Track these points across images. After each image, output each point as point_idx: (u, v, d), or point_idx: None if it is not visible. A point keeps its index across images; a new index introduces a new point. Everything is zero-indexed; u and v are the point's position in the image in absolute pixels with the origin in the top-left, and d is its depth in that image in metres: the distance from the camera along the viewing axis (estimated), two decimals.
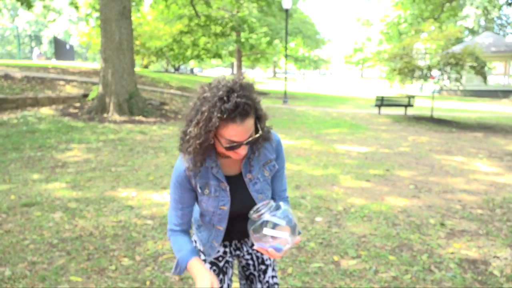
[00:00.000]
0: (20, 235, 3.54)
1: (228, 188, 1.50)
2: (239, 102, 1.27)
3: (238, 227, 1.59)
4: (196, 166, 1.42)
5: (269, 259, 1.73)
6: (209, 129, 1.29)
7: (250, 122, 1.32)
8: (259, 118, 1.41)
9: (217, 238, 1.60)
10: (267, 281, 1.73)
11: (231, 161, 1.51)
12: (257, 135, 1.39)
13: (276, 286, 1.74)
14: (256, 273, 1.74)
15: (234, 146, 1.33)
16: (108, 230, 3.70)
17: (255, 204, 1.52)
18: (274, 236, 1.34)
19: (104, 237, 3.55)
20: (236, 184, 1.52)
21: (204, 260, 1.69)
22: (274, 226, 1.34)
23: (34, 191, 4.76)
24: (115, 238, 3.55)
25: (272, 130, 1.53)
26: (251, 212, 1.37)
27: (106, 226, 3.79)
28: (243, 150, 1.36)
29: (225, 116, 1.26)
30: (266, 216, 1.35)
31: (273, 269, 1.75)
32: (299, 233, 1.60)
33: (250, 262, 1.74)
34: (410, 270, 3.11)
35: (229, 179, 1.51)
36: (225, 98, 1.27)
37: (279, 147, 1.57)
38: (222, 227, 1.55)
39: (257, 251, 1.71)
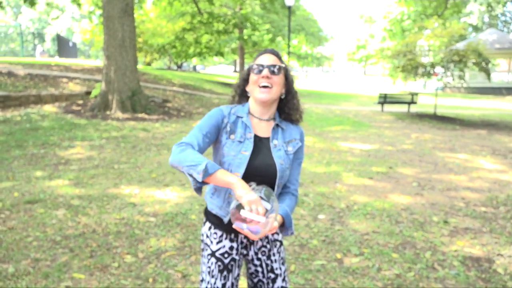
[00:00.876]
0: (24, 232, 3.55)
1: (253, 136, 1.64)
2: (270, 48, 1.73)
3: None
4: (234, 98, 1.76)
5: (280, 268, 1.72)
6: (249, 67, 1.69)
7: (276, 58, 1.66)
8: (288, 77, 1.71)
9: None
10: None
11: (261, 123, 1.69)
12: (280, 65, 1.64)
13: None
14: (265, 281, 1.72)
15: (259, 68, 1.62)
16: (111, 227, 3.70)
17: (274, 165, 1.61)
18: (250, 217, 1.35)
19: (107, 234, 3.56)
20: (262, 143, 1.66)
21: (217, 228, 1.70)
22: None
23: (37, 188, 4.77)
24: (118, 235, 3.55)
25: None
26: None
27: (109, 223, 3.79)
28: (265, 71, 1.61)
29: (258, 54, 1.69)
30: None
31: (284, 280, 1.74)
32: (292, 233, 1.63)
33: (259, 269, 1.73)
34: (413, 267, 3.10)
35: (256, 136, 1.66)
36: (262, 51, 1.72)
37: (303, 136, 1.77)
38: (239, 173, 1.57)
39: (267, 259, 1.72)
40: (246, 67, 1.74)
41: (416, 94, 14.93)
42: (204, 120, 1.63)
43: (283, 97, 1.70)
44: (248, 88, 1.69)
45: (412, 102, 14.70)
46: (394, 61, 14.99)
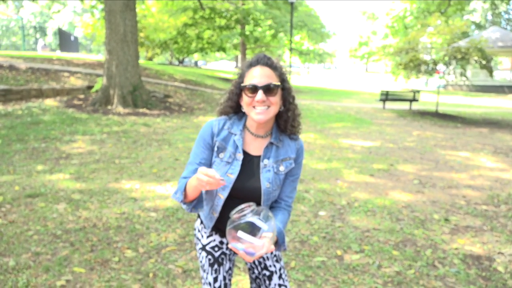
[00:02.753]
0: (24, 226, 3.55)
1: (241, 159, 1.56)
2: (262, 54, 1.55)
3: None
4: (225, 111, 1.61)
5: (274, 265, 1.71)
6: (239, 81, 1.55)
7: (270, 72, 1.50)
8: (285, 88, 1.57)
9: (216, 207, 1.59)
10: None
11: (256, 140, 1.60)
12: (275, 83, 1.50)
13: None
14: (261, 277, 1.72)
15: (252, 88, 1.48)
16: (111, 222, 3.70)
17: (260, 188, 1.55)
18: (246, 240, 1.34)
19: (107, 229, 3.56)
20: (251, 163, 1.58)
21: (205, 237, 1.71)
22: (254, 229, 1.34)
23: (38, 182, 4.77)
24: (118, 230, 3.56)
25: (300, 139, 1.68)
26: (233, 212, 1.37)
27: (110, 218, 3.79)
28: (260, 95, 1.47)
29: (249, 64, 1.54)
30: (249, 217, 1.34)
31: (281, 277, 1.70)
32: (284, 249, 1.59)
33: (253, 266, 1.73)
34: (414, 265, 3.10)
35: (247, 155, 1.58)
36: (253, 60, 1.56)
37: (301, 151, 1.65)
38: (223, 195, 1.56)
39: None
40: (236, 76, 1.59)
41: (418, 91, 14.90)
42: (197, 145, 1.60)
43: (281, 109, 1.58)
44: (242, 104, 1.57)
45: (413, 99, 14.68)
46: (396, 58, 14.96)
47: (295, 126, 1.61)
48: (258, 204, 1.57)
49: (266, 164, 1.57)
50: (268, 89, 1.48)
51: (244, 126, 1.60)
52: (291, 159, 1.61)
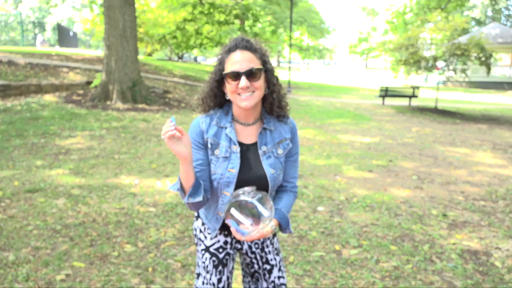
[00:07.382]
0: (24, 221, 3.56)
1: (239, 150, 1.51)
2: (240, 38, 1.49)
3: None
4: (208, 106, 1.55)
5: (274, 259, 1.71)
6: (219, 67, 1.49)
7: (250, 56, 1.45)
8: (267, 70, 1.52)
9: (222, 207, 1.56)
10: (273, 281, 1.69)
11: (247, 128, 1.56)
12: (258, 67, 1.45)
13: (283, 287, 1.71)
14: (261, 272, 1.71)
15: (234, 75, 1.43)
16: (111, 217, 3.72)
17: (265, 176, 1.53)
18: (237, 219, 1.36)
19: (107, 224, 3.57)
20: (249, 152, 1.54)
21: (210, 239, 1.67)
22: (250, 210, 1.36)
23: (37, 177, 4.78)
24: (117, 225, 3.57)
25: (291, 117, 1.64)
26: (234, 192, 1.40)
27: (109, 213, 3.81)
28: (243, 82, 1.42)
29: (228, 49, 1.47)
30: (243, 197, 1.36)
31: (280, 269, 1.72)
32: (290, 232, 1.60)
33: (254, 261, 1.72)
34: (412, 260, 3.12)
35: (242, 145, 1.54)
36: (231, 44, 1.49)
37: (294, 130, 1.63)
38: (229, 193, 1.52)
39: (261, 251, 1.70)
40: (215, 62, 1.53)
41: (418, 87, 14.90)
42: None
43: (266, 92, 1.53)
44: (226, 91, 1.51)
45: (413, 95, 14.68)
46: (396, 55, 14.96)
47: (282, 107, 1.57)
48: (266, 192, 1.54)
49: (265, 151, 1.54)
50: (251, 74, 1.43)
51: (232, 118, 1.56)
52: (287, 139, 1.59)
